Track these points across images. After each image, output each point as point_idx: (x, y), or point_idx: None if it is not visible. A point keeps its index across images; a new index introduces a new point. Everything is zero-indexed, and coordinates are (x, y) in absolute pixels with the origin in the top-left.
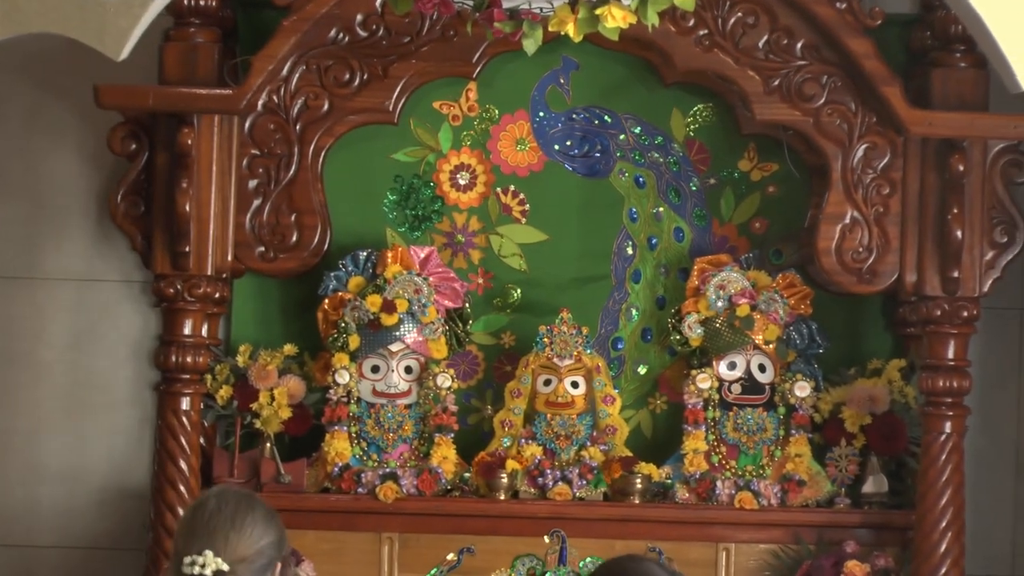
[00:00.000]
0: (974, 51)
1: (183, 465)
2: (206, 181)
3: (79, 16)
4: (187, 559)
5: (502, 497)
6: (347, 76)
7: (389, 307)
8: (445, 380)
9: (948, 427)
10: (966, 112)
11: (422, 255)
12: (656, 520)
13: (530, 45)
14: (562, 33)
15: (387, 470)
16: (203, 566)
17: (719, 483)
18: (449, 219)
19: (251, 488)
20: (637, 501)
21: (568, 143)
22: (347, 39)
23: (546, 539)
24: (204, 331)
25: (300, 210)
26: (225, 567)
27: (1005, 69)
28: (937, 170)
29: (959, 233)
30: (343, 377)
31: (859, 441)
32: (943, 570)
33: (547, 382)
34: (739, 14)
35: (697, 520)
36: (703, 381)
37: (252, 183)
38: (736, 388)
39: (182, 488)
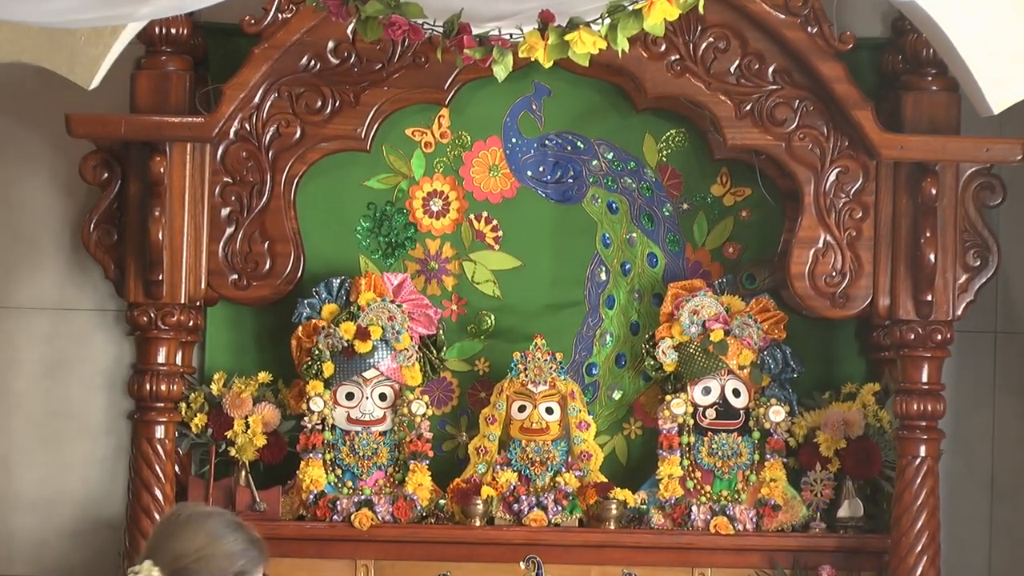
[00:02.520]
0: (945, 75)
1: (158, 494)
2: (178, 209)
3: (50, 45)
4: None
5: (477, 523)
6: (319, 103)
7: (363, 334)
8: (419, 407)
9: (922, 451)
10: (938, 136)
11: (395, 282)
12: (632, 546)
13: (500, 71)
14: (532, 59)
15: (362, 497)
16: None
17: (694, 508)
18: (422, 246)
19: None
20: (612, 527)
21: (541, 169)
22: (318, 66)
23: (522, 565)
24: (178, 359)
25: (273, 238)
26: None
27: (976, 92)
28: (909, 194)
29: (932, 257)
30: (317, 404)
31: (834, 465)
32: None
33: (521, 408)
34: (710, 39)
35: (673, 545)
36: (677, 406)
37: (224, 211)
38: (711, 413)
39: (157, 517)
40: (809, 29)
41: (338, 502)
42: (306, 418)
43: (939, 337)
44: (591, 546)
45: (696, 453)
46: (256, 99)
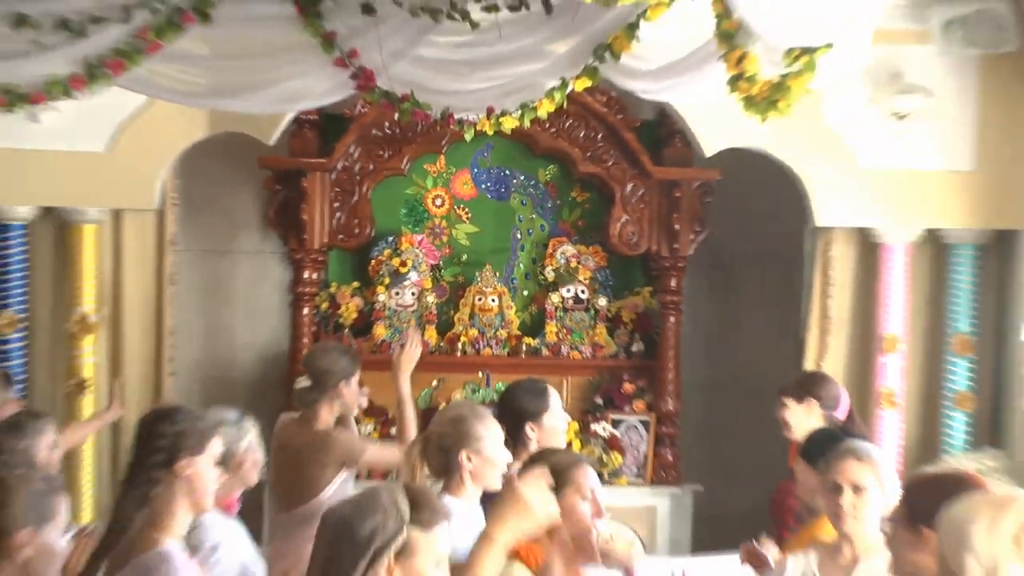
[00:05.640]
0: (684, 135)
1: (305, 340)
2: (315, 205)
3: (246, 120)
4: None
5: (458, 355)
6: (380, 152)
7: (403, 264)
8: (431, 298)
9: (672, 320)
10: (682, 167)
11: (419, 239)
12: (532, 365)
13: (468, 135)
14: (484, 129)
15: (402, 342)
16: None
17: (563, 347)
18: (432, 221)
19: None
20: (523, 356)
21: (489, 184)
22: (380, 133)
23: (479, 375)
24: (315, 276)
25: (360, 216)
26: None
27: (698, 144)
28: (667, 196)
29: (677, 226)
30: (383, 296)
31: (629, 326)
32: (669, 388)
33: (479, 298)
34: (570, 120)
35: (553, 364)
36: (556, 298)
37: (336, 204)
38: (570, 301)
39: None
40: (619, 116)
41: (392, 345)
42: (377, 302)
43: (681, 265)
44: (512, 365)
45: (563, 321)
46: (351, 150)
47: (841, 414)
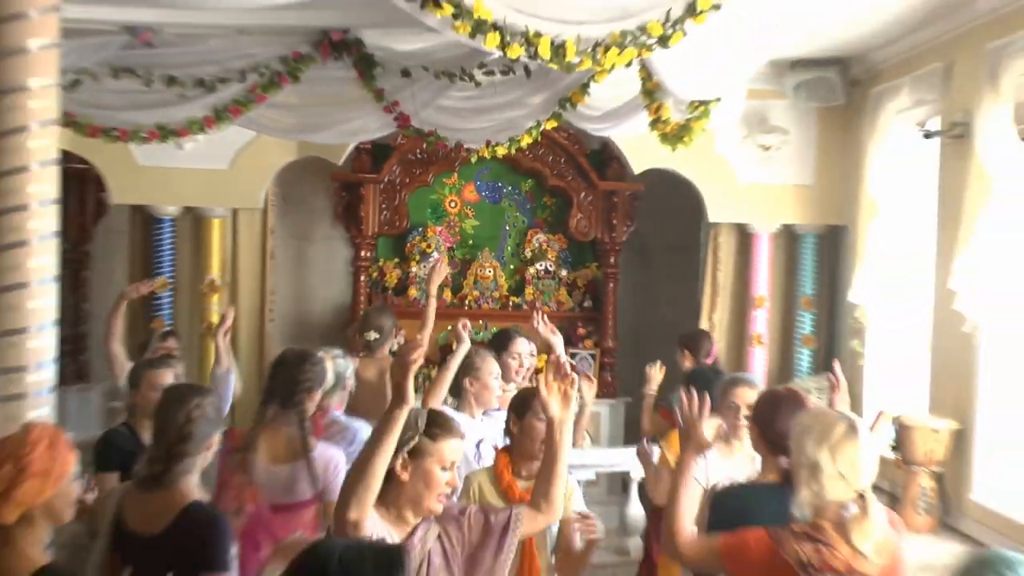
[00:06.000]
0: (621, 160)
1: (363, 300)
2: (370, 206)
3: (326, 147)
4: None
5: (466, 308)
6: (414, 169)
7: (428, 246)
8: (447, 268)
9: (611, 285)
10: (618, 181)
11: (439, 230)
12: (516, 316)
13: (473, 158)
14: (483, 154)
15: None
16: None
17: (537, 302)
18: (448, 217)
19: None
20: (510, 310)
21: (487, 192)
22: (415, 157)
23: (480, 323)
24: (368, 254)
25: (399, 213)
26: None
27: (629, 165)
28: (608, 201)
29: (615, 222)
30: (415, 268)
31: (583, 289)
32: (609, 331)
33: (480, 270)
34: (543, 148)
35: (529, 315)
36: (532, 270)
37: (383, 205)
38: (542, 272)
39: (362, 308)
40: (575, 146)
41: (420, 299)
42: (410, 273)
43: (617, 248)
44: (503, 316)
45: (537, 285)
46: (394, 168)
47: (709, 360)
